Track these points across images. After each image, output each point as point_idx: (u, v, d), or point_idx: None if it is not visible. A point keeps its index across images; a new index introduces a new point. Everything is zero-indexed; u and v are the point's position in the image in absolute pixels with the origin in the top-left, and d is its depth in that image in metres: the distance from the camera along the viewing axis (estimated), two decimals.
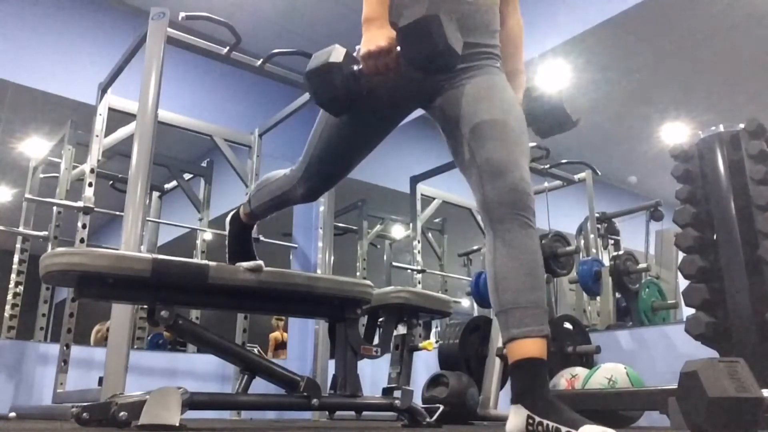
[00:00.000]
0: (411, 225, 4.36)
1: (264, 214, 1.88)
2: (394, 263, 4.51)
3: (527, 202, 1.27)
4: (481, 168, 1.31)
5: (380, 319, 2.44)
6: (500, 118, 1.35)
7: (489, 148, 1.31)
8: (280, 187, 1.75)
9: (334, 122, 1.53)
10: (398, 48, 1.30)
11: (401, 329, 2.62)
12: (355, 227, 4.72)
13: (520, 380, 1.21)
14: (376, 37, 1.32)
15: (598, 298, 3.23)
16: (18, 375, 3.36)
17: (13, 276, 3.65)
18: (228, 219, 1.99)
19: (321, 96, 1.39)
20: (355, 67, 1.35)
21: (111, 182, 4.10)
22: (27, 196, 3.61)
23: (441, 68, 1.31)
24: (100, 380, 2.29)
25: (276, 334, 4.74)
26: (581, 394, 2.08)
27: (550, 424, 1.12)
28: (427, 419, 2.14)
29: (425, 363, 3.46)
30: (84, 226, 3.18)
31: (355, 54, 1.40)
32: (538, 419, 1.14)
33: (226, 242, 1.98)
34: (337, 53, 1.36)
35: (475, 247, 4.51)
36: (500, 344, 2.68)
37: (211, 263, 1.88)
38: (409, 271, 4.30)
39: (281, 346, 4.72)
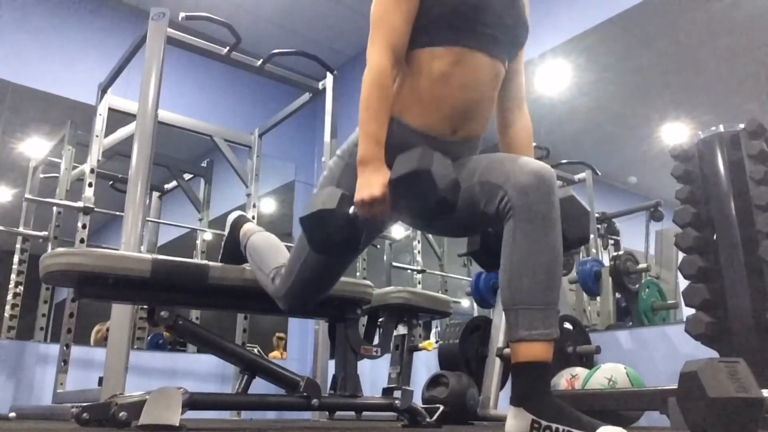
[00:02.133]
0: None
1: None
2: (394, 263, 4.50)
3: (553, 191, 1.22)
4: (497, 177, 1.27)
5: (380, 319, 2.44)
6: (490, 159, 1.35)
7: (494, 167, 1.30)
8: (266, 285, 1.77)
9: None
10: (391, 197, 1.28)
11: (401, 329, 2.62)
12: None
13: (522, 383, 1.19)
14: (371, 183, 1.29)
15: (598, 298, 3.23)
16: (18, 375, 3.36)
17: (13, 276, 3.65)
18: (229, 221, 2.01)
19: (317, 242, 1.37)
20: (351, 210, 1.32)
21: (111, 182, 4.10)
22: (27, 196, 3.61)
23: (437, 218, 1.28)
24: (100, 380, 2.29)
25: (275, 353, 4.72)
26: (581, 394, 2.08)
27: (561, 427, 1.09)
28: (427, 419, 2.14)
29: (425, 363, 3.46)
30: (84, 227, 3.18)
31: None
32: (545, 423, 1.11)
33: (223, 242, 2.02)
34: (330, 199, 1.32)
35: None
36: (500, 344, 2.68)
37: (211, 263, 1.88)
38: (409, 271, 4.30)
39: None
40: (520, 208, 1.21)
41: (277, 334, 4.78)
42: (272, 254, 1.80)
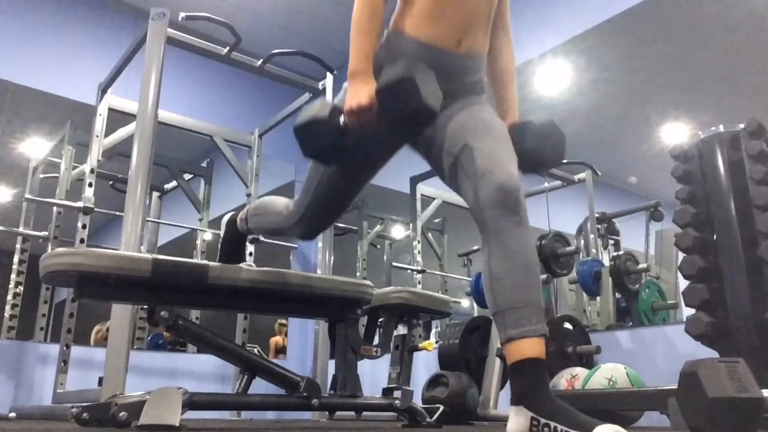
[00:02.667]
0: (411, 225, 4.36)
1: (260, 234, 1.90)
2: (394, 263, 4.50)
3: (517, 199, 1.27)
4: (469, 174, 1.33)
5: (380, 320, 2.44)
6: (479, 127, 1.40)
7: (475, 155, 1.33)
8: (278, 223, 1.79)
9: (327, 168, 1.58)
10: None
11: (401, 329, 2.62)
12: (355, 227, 4.71)
13: (520, 381, 1.20)
14: (359, 93, 1.37)
15: (598, 298, 3.23)
16: (18, 375, 3.36)
17: (13, 276, 3.65)
18: (224, 222, 2.01)
19: (309, 149, 1.46)
20: (341, 120, 1.41)
21: (111, 182, 4.09)
22: (27, 196, 3.61)
23: (419, 126, 1.37)
24: (100, 380, 2.29)
25: (277, 339, 4.73)
26: (581, 394, 2.08)
27: (559, 426, 1.10)
28: (427, 419, 2.14)
29: (425, 363, 3.46)
30: (84, 227, 3.18)
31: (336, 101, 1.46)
32: (543, 421, 1.12)
33: (220, 243, 2.01)
34: (322, 108, 1.43)
35: (475, 248, 4.51)
36: (500, 344, 2.68)
37: (211, 263, 1.88)
38: (409, 271, 4.30)
39: (282, 350, 4.72)
40: (492, 222, 1.27)
41: (279, 320, 4.78)
42: (276, 200, 1.83)
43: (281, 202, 1.80)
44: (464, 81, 1.49)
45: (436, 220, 4.69)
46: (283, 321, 4.77)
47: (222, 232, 2.02)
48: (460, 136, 1.40)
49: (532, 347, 1.20)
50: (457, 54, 1.47)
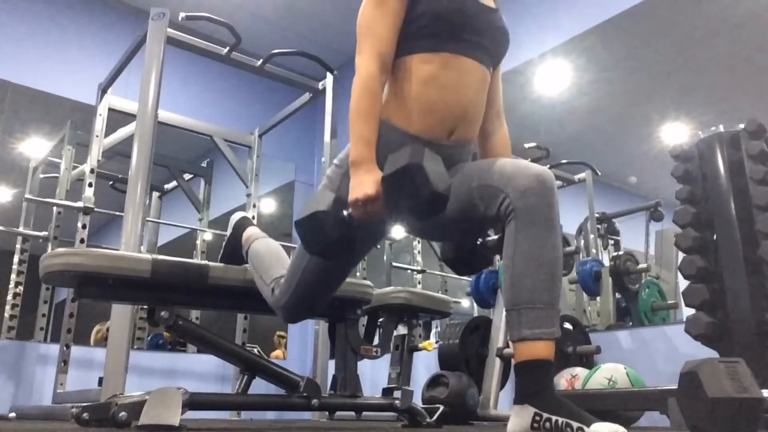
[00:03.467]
0: None
1: None
2: (394, 263, 4.50)
3: (552, 188, 1.25)
4: (497, 179, 1.29)
5: (380, 320, 2.44)
6: (487, 163, 1.37)
7: (495, 170, 1.31)
8: (265, 293, 1.79)
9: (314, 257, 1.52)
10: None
11: (401, 329, 2.62)
12: None
13: (526, 381, 1.20)
14: (364, 183, 1.32)
15: (598, 298, 3.23)
16: (18, 375, 3.36)
17: (13, 276, 3.65)
18: (232, 222, 2.02)
19: (313, 245, 1.38)
20: (345, 213, 1.35)
21: (111, 182, 4.10)
22: (27, 196, 3.61)
23: (430, 214, 1.29)
24: (100, 380, 2.29)
25: (278, 353, 4.71)
26: (581, 394, 2.08)
27: (560, 419, 1.11)
28: (427, 419, 2.14)
29: (425, 363, 3.46)
30: (84, 227, 3.18)
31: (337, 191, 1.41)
32: (546, 416, 1.13)
33: (224, 243, 2.03)
34: (324, 200, 1.35)
35: None
36: (500, 344, 2.68)
37: (211, 263, 1.88)
38: (409, 271, 4.30)
39: None
40: (521, 210, 1.23)
41: (278, 333, 4.78)
42: (273, 264, 1.81)
43: (275, 272, 1.77)
44: (454, 163, 1.47)
45: None
46: (282, 333, 4.76)
47: (228, 232, 2.03)
48: (470, 172, 1.37)
49: (543, 349, 1.20)
50: (448, 145, 1.46)
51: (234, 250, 2.00)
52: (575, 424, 1.09)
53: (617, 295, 3.20)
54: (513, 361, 1.25)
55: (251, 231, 1.97)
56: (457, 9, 1.43)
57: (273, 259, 1.83)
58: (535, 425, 1.14)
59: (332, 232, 1.34)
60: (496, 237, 1.33)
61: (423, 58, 1.44)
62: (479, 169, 1.36)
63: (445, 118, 1.44)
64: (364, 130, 1.37)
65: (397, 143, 1.38)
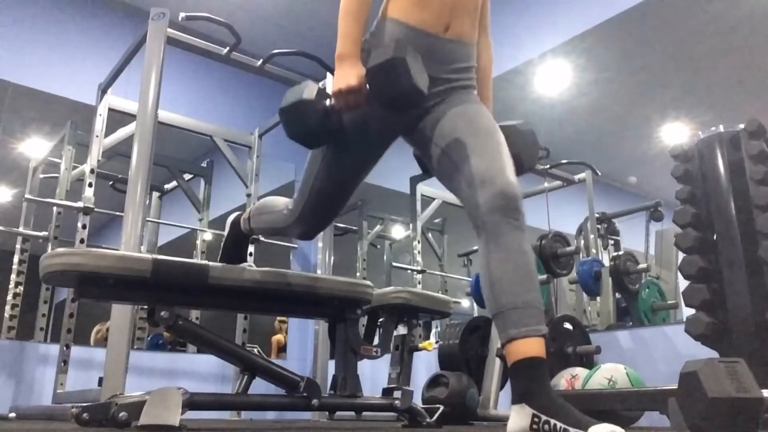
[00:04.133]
0: (411, 225, 4.36)
1: (262, 234, 1.90)
2: (394, 263, 4.50)
3: (517, 205, 1.29)
4: (468, 179, 1.33)
5: (380, 320, 2.44)
6: (480, 131, 1.40)
7: (473, 159, 1.34)
8: (278, 221, 1.79)
9: (324, 160, 1.58)
10: (367, 86, 1.37)
11: (401, 329, 2.62)
12: (355, 227, 4.71)
13: (521, 380, 1.20)
14: (347, 75, 1.39)
15: (598, 298, 3.23)
16: (18, 375, 3.36)
17: (13, 276, 3.65)
18: (229, 221, 2.02)
19: (294, 131, 1.46)
20: (327, 103, 1.42)
21: (111, 182, 4.09)
22: (27, 196, 3.61)
23: (408, 106, 1.38)
24: (100, 380, 2.29)
25: (278, 337, 4.72)
26: (581, 394, 2.08)
27: (558, 424, 1.10)
28: (427, 419, 2.14)
29: (425, 363, 3.46)
30: (84, 227, 3.18)
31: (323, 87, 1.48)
32: (544, 418, 1.13)
33: (222, 243, 2.02)
34: (309, 90, 1.43)
35: (475, 248, 4.51)
36: (500, 345, 2.68)
37: (211, 263, 1.88)
38: (409, 271, 4.30)
39: (283, 349, 4.72)
40: (490, 225, 1.28)
41: (278, 318, 4.78)
42: (278, 200, 1.83)
43: (281, 201, 1.80)
44: (453, 67, 1.50)
45: (436, 220, 4.69)
46: (283, 318, 4.76)
47: (226, 232, 2.03)
48: (451, 130, 1.41)
49: (533, 347, 1.20)
50: (445, 38, 1.49)
51: (233, 250, 1.99)
52: (572, 430, 1.09)
53: (617, 295, 3.21)
54: (507, 364, 1.25)
55: (244, 214, 1.97)
56: None
57: (275, 200, 1.84)
58: (534, 427, 1.14)
59: (314, 118, 1.41)
60: None
61: None
62: (462, 138, 1.38)
63: (439, 11, 1.48)
64: (352, 27, 1.44)
65: (394, 35, 1.45)
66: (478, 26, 1.63)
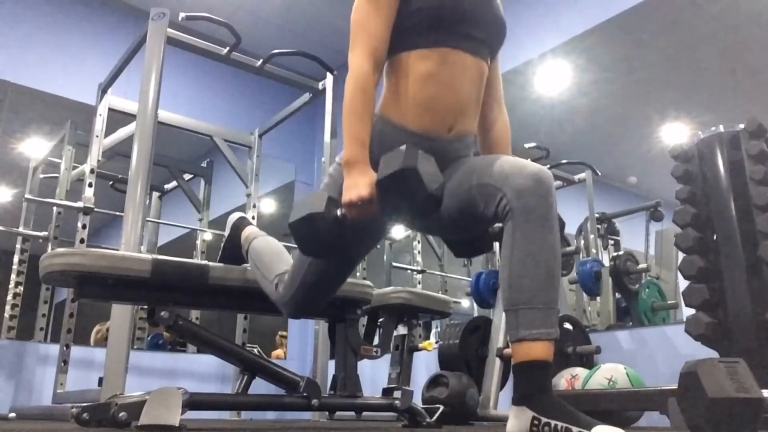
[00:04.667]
0: None
1: None
2: (394, 263, 4.50)
3: (550, 188, 1.24)
4: (495, 177, 1.28)
5: (380, 320, 2.44)
6: (488, 158, 1.38)
7: (494, 168, 1.30)
8: (268, 290, 1.78)
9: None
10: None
11: (401, 330, 2.62)
12: None
13: (524, 382, 1.19)
14: (358, 184, 1.32)
15: (598, 298, 3.23)
16: (18, 375, 3.36)
17: (13, 276, 3.65)
18: (230, 222, 2.02)
19: (307, 246, 1.40)
20: (339, 212, 1.35)
21: (111, 182, 4.10)
22: (27, 196, 3.61)
23: (423, 215, 1.31)
24: (100, 380, 2.29)
25: (278, 352, 4.70)
26: (581, 394, 2.08)
27: (559, 424, 1.10)
28: (427, 420, 2.14)
29: (425, 363, 3.46)
30: (84, 227, 3.18)
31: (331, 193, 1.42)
32: (544, 420, 1.12)
33: (222, 243, 2.02)
34: (318, 202, 1.36)
35: None
36: (500, 344, 2.68)
37: (211, 263, 1.88)
38: (409, 271, 4.30)
39: None
40: (519, 210, 1.22)
41: (279, 333, 4.78)
42: (275, 261, 1.80)
43: (278, 268, 1.77)
44: (455, 156, 1.48)
45: None
46: (284, 333, 4.76)
47: (226, 233, 2.03)
48: (461, 176, 1.38)
49: (541, 350, 1.18)
50: (448, 139, 1.46)
51: (233, 251, 2.00)
52: (575, 429, 1.08)
53: (617, 295, 3.20)
54: (512, 362, 1.24)
55: (250, 230, 1.97)
56: (453, 3, 1.42)
57: (274, 256, 1.82)
58: (534, 429, 1.13)
59: (326, 233, 1.34)
60: (499, 225, 1.34)
61: (420, 54, 1.43)
62: (479, 167, 1.35)
63: (444, 115, 1.44)
64: (358, 129, 1.36)
65: (396, 140, 1.38)
66: (490, 100, 1.60)
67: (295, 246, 1.47)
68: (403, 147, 1.28)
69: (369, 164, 1.35)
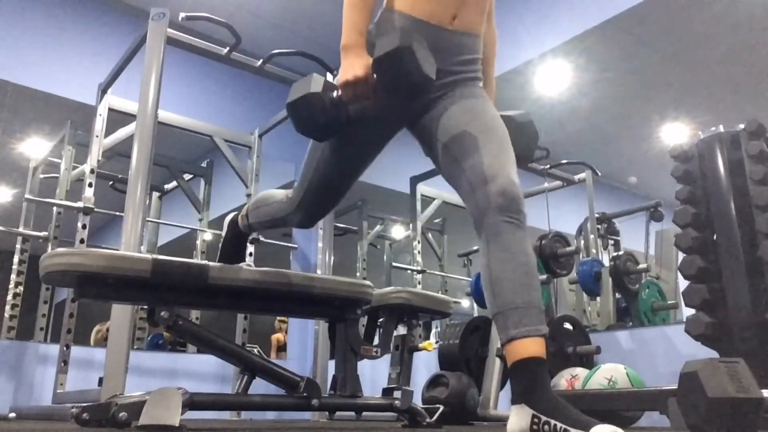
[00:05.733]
0: (411, 225, 4.36)
1: (261, 229, 1.89)
2: (394, 263, 4.50)
3: (518, 205, 1.28)
4: (469, 176, 1.33)
5: (380, 320, 2.44)
6: (483, 128, 1.39)
7: (475, 157, 1.33)
8: (277, 211, 1.78)
9: (327, 149, 1.57)
10: (374, 76, 1.35)
11: (401, 330, 2.62)
12: (355, 227, 4.72)
13: (521, 380, 1.20)
14: (354, 65, 1.37)
15: (598, 298, 3.23)
16: (18, 375, 3.36)
17: (13, 276, 3.65)
18: (226, 222, 2.01)
19: (303, 125, 1.44)
20: (335, 95, 1.40)
21: (111, 182, 4.10)
22: (27, 196, 3.61)
23: (416, 95, 1.36)
24: (100, 380, 2.29)
25: (278, 336, 4.73)
26: (581, 394, 2.08)
27: (558, 424, 1.10)
28: (427, 420, 2.14)
29: (425, 363, 3.46)
30: (84, 227, 3.18)
31: (333, 81, 1.44)
32: (544, 419, 1.12)
33: (220, 243, 2.01)
34: (316, 83, 1.40)
35: (475, 248, 4.51)
36: (500, 344, 2.68)
37: (211, 263, 1.88)
38: (409, 271, 4.30)
39: (283, 348, 4.72)
40: (490, 225, 1.27)
41: (278, 318, 4.79)
42: (275, 192, 1.82)
43: (280, 192, 1.79)
44: (459, 59, 1.49)
45: (436, 220, 4.69)
46: (283, 318, 4.77)
47: (224, 232, 2.02)
48: (454, 126, 1.40)
49: (533, 347, 1.20)
50: (452, 30, 1.47)
51: (231, 251, 1.99)
52: (573, 430, 1.08)
53: (617, 295, 3.20)
54: (507, 364, 1.25)
55: (241, 211, 1.97)
56: None
57: (273, 192, 1.84)
58: (534, 427, 1.13)
59: (322, 112, 1.39)
60: None
61: None
62: (461, 140, 1.37)
63: (447, 2, 1.46)
64: (357, 18, 1.42)
65: (403, 24, 1.42)
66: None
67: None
68: (400, 29, 1.35)
69: (365, 49, 1.40)
